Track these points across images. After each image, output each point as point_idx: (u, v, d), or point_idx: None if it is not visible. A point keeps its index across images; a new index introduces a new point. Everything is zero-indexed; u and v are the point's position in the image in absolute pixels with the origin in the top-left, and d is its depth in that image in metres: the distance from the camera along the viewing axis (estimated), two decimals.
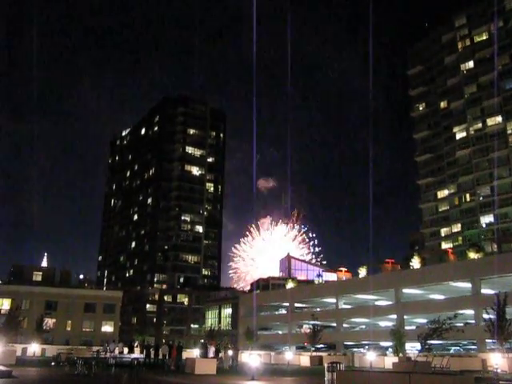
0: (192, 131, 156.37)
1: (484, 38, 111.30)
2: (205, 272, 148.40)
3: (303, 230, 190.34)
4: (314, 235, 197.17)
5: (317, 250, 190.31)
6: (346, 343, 73.29)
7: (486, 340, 51.28)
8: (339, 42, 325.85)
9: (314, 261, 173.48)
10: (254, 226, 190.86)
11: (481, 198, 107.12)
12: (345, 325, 76.79)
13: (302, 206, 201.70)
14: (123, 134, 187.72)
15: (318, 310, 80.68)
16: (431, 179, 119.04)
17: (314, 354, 57.68)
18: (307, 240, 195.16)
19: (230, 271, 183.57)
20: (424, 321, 61.14)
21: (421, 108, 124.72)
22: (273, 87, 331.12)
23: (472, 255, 61.94)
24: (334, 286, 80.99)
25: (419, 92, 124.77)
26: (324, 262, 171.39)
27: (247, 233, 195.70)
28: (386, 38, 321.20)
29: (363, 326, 78.99)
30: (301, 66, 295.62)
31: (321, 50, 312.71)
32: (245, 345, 72.93)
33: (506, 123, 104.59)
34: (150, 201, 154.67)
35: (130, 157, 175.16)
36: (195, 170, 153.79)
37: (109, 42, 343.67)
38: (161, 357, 44.87)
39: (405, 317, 64.87)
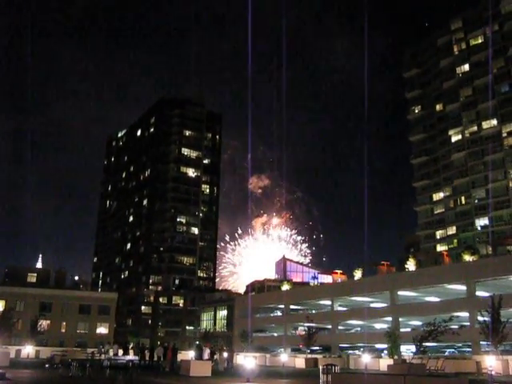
0: (188, 133, 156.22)
1: (480, 41, 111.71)
2: (200, 274, 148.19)
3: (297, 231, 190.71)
4: (307, 238, 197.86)
5: (309, 251, 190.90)
6: (341, 345, 73.25)
7: (481, 342, 51.41)
8: (335, 45, 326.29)
9: (308, 262, 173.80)
10: (248, 226, 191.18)
11: (476, 201, 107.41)
12: (340, 327, 76.79)
13: (298, 204, 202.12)
14: (119, 135, 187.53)
15: (314, 312, 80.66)
16: (427, 182, 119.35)
17: (309, 356, 57.60)
18: (301, 242, 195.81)
19: (223, 271, 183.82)
20: (419, 323, 61.42)
21: (416, 111, 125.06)
22: (266, 88, 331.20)
23: (467, 258, 62.10)
24: (330, 288, 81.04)
25: (415, 95, 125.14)
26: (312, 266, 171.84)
27: (242, 234, 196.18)
28: (382, 40, 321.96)
29: (358, 328, 79.02)
30: (297, 65, 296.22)
31: (316, 51, 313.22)
32: (240, 347, 72.83)
33: (501, 126, 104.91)
34: (145, 202, 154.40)
35: (125, 158, 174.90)
36: (191, 172, 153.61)
37: (105, 43, 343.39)
38: (156, 359, 44.83)
39: (400, 319, 64.96)
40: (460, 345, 62.67)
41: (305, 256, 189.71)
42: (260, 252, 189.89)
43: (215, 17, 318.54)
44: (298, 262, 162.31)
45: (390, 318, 65.96)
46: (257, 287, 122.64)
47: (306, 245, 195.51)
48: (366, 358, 46.18)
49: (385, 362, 43.02)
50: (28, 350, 59.97)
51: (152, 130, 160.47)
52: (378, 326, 73.59)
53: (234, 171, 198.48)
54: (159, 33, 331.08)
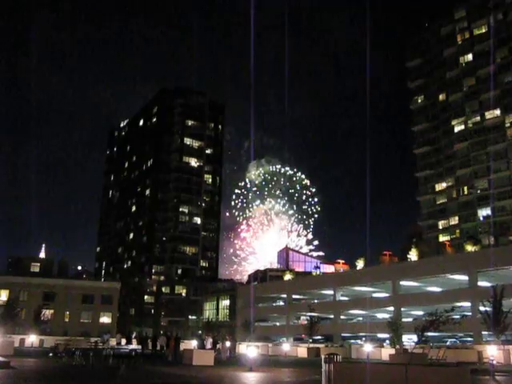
0: (190, 123, 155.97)
1: (483, 30, 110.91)
2: (203, 263, 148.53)
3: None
4: (310, 227, 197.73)
5: (311, 240, 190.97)
6: (343, 335, 73.64)
7: (483, 332, 51.59)
8: (337, 34, 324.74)
9: (309, 251, 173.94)
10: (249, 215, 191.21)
11: (478, 191, 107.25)
12: (342, 316, 77.09)
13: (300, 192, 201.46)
14: (121, 125, 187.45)
15: (316, 301, 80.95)
16: (429, 172, 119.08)
17: (312, 345, 57.90)
18: (304, 231, 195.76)
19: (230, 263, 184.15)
20: (421, 313, 61.51)
21: (419, 100, 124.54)
22: (266, 74, 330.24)
23: (469, 248, 62.13)
24: (332, 278, 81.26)
25: (418, 84, 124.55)
26: (321, 253, 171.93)
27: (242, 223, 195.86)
28: (385, 29, 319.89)
29: (360, 318, 79.34)
30: (298, 57, 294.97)
31: (319, 42, 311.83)
32: (242, 336, 73.19)
33: (504, 116, 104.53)
34: (148, 192, 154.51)
35: (128, 148, 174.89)
36: (193, 162, 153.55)
37: (107, 33, 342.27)
38: (158, 348, 45.10)
39: (402, 309, 65.20)
40: (462, 335, 62.98)
41: (307, 245, 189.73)
42: (262, 241, 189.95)
43: (216, 5, 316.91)
44: (300, 252, 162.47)
45: (392, 308, 66.21)
46: (259, 277, 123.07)
47: (306, 233, 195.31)
48: (367, 348, 46.44)
49: (387, 352, 43.24)
50: (32, 339, 60.35)
51: (154, 120, 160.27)
52: (380, 315, 73.92)
53: (231, 159, 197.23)
54: (161, 22, 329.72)
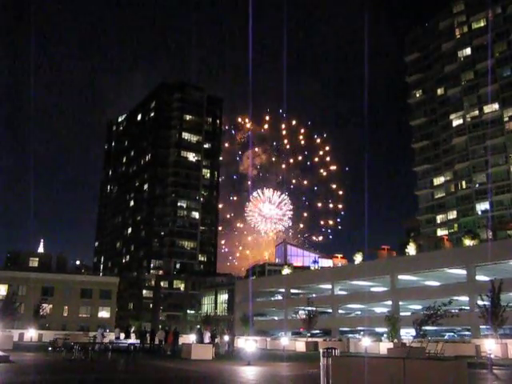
0: (188, 117, 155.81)
1: (482, 24, 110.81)
2: (201, 258, 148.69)
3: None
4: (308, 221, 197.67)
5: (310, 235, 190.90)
6: (341, 329, 73.70)
7: (480, 326, 51.69)
8: (336, 27, 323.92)
9: (306, 246, 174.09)
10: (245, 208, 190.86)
11: (477, 186, 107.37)
12: (340, 311, 77.21)
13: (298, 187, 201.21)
14: (119, 119, 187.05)
15: (314, 295, 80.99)
16: (427, 166, 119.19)
17: (310, 339, 57.98)
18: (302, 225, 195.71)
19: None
20: (419, 307, 61.67)
21: (418, 95, 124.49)
22: (261, 68, 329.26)
23: (467, 242, 62.17)
24: (330, 272, 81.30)
25: (416, 79, 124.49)
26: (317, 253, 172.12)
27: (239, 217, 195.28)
28: (383, 23, 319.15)
29: (359, 312, 79.43)
30: (297, 51, 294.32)
31: (317, 35, 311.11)
32: (241, 330, 73.24)
33: (502, 110, 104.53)
34: (146, 187, 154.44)
35: (126, 143, 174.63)
36: (191, 156, 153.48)
37: (106, 28, 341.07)
38: (157, 342, 45.17)
39: (400, 303, 65.28)
40: (459, 329, 63.09)
41: (305, 240, 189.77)
42: (259, 234, 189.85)
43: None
44: (298, 246, 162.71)
45: (390, 302, 66.29)
46: (257, 271, 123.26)
47: (302, 226, 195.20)
48: (366, 342, 46.44)
49: (385, 346, 43.26)
50: (31, 333, 60.46)
51: (152, 114, 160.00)
52: (378, 309, 74.02)
53: (229, 151, 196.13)
54: (159, 17, 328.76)
